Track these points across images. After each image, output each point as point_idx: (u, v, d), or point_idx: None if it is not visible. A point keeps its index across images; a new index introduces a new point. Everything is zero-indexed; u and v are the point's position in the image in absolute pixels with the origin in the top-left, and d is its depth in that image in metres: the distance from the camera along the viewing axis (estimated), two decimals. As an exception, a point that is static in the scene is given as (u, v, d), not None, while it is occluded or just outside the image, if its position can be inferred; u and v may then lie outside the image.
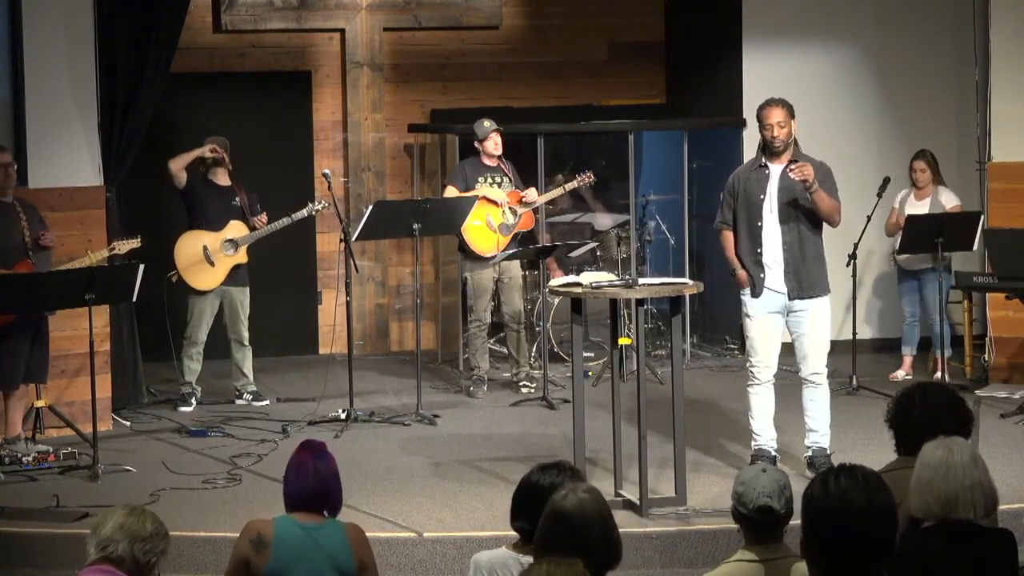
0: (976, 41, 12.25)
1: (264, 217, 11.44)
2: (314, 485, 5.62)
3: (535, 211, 12.04)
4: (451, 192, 11.57)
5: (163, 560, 5.05)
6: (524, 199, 11.72)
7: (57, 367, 10.29)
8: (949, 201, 11.74)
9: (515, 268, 11.76)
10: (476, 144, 11.69)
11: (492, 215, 11.64)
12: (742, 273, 9.01)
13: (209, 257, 11.33)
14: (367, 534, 7.99)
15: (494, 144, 11.61)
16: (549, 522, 4.74)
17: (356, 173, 13.54)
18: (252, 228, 11.42)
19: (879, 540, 4.21)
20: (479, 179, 11.66)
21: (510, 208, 11.68)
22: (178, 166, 11.31)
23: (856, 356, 11.50)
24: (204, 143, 11.45)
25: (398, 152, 13.75)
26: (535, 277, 12.15)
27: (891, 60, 13.12)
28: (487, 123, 11.66)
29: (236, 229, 11.41)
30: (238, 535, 5.68)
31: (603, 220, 13.36)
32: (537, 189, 12.05)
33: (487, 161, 11.69)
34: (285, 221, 11.43)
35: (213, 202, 11.40)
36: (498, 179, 11.73)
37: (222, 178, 11.47)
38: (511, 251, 11.49)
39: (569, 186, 12.10)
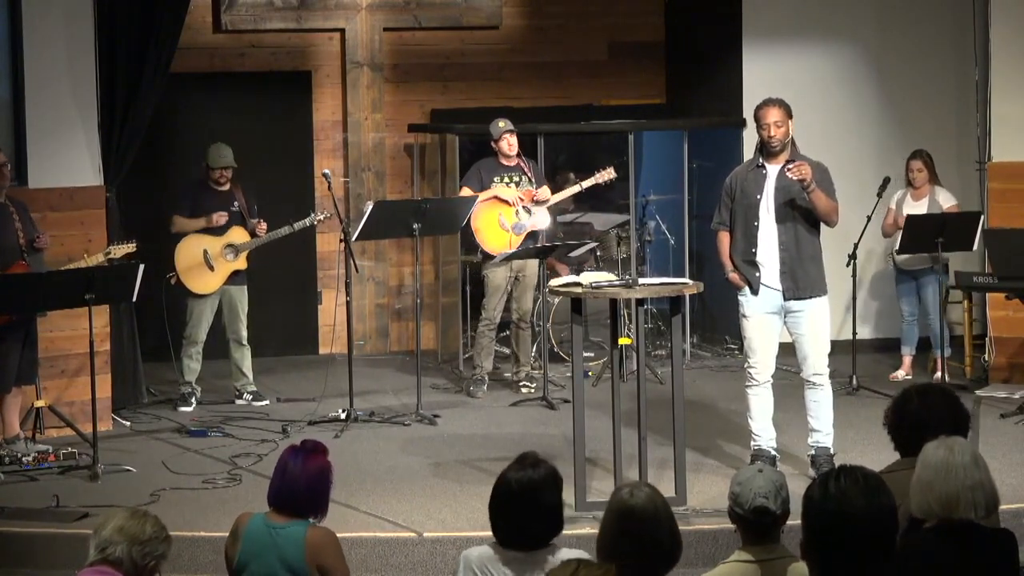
0: (976, 41, 12.25)
1: (264, 225, 11.43)
2: (279, 484, 5.67)
3: (550, 209, 11.99)
4: (465, 193, 11.57)
5: (164, 562, 5.05)
6: (536, 197, 11.70)
7: (57, 367, 10.29)
8: (947, 201, 11.75)
9: (532, 267, 11.72)
10: (492, 144, 11.70)
11: (504, 214, 11.64)
12: (734, 275, 9.01)
13: (209, 261, 11.33)
14: (367, 534, 8.07)
15: (508, 144, 11.60)
16: (618, 520, 4.69)
17: (356, 173, 13.54)
18: (252, 232, 11.42)
19: (879, 541, 4.22)
20: (495, 179, 11.65)
21: (524, 207, 11.67)
22: (177, 229, 11.37)
23: (856, 356, 11.50)
24: (210, 163, 11.36)
25: (398, 152, 13.75)
26: (535, 277, 12.14)
27: (891, 60, 13.12)
28: (502, 123, 11.64)
29: (237, 235, 11.41)
30: None
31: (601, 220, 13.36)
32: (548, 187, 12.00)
33: (504, 161, 11.68)
34: (286, 230, 11.43)
35: (212, 209, 11.38)
36: (516, 178, 11.71)
37: (222, 185, 11.45)
38: (512, 250, 11.49)
39: (587, 183, 12.00)
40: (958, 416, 5.67)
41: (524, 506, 5.11)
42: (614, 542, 4.67)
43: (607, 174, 11.93)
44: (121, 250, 10.32)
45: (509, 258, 11.51)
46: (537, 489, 5.13)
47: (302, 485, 5.63)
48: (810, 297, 8.90)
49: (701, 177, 13.23)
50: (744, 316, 9.02)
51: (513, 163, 11.70)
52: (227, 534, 5.79)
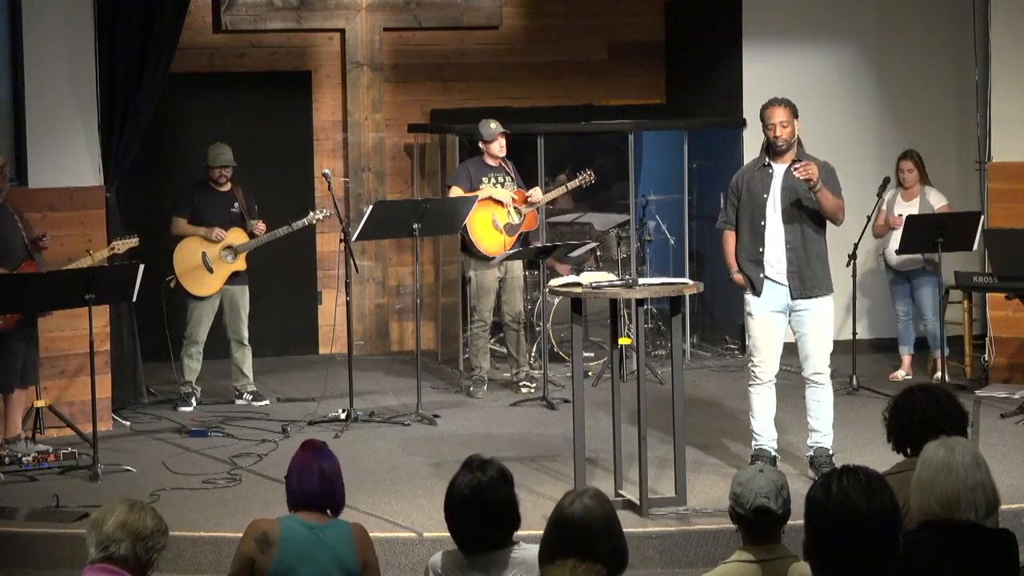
0: (976, 41, 12.25)
1: (262, 225, 11.43)
2: (319, 484, 5.63)
3: (537, 211, 12.03)
4: (455, 193, 11.57)
5: (162, 555, 5.03)
6: (529, 199, 11.71)
7: (57, 367, 10.29)
8: (937, 201, 11.74)
9: (518, 268, 11.76)
10: (480, 144, 11.69)
11: (498, 215, 11.64)
12: (738, 276, 9.03)
13: (208, 264, 11.33)
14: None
15: (499, 146, 11.61)
16: (555, 529, 4.73)
17: (356, 173, 13.54)
18: (251, 234, 11.42)
19: (881, 541, 4.22)
20: (483, 179, 11.66)
21: (515, 208, 11.67)
22: (176, 232, 11.38)
23: (856, 356, 11.50)
24: (209, 162, 11.36)
25: (398, 152, 13.75)
26: (535, 277, 12.14)
27: (891, 60, 13.12)
28: (493, 125, 11.64)
29: (236, 236, 11.40)
30: (241, 535, 5.67)
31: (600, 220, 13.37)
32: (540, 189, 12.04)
33: (490, 161, 11.68)
34: (284, 230, 11.42)
35: (213, 210, 11.39)
36: (501, 179, 11.72)
37: (222, 185, 11.45)
38: (511, 251, 11.50)
39: (571, 185, 12.07)
40: (962, 415, 5.70)
41: (479, 510, 5.11)
42: (549, 548, 4.69)
43: (587, 176, 11.98)
44: (124, 245, 10.34)
45: (510, 258, 11.51)
46: (488, 490, 5.12)
47: (336, 482, 5.66)
48: (816, 296, 8.90)
49: (701, 177, 13.23)
50: (750, 314, 9.02)
51: (497, 163, 11.71)
52: (227, 534, 5.76)
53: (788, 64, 12.88)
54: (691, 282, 9.06)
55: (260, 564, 5.50)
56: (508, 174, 11.75)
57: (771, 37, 13.00)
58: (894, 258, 11.65)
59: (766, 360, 8.96)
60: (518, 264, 11.72)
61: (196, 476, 9.35)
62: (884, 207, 11.80)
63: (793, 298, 8.91)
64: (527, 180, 12.06)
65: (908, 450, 5.74)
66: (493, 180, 11.69)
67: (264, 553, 5.50)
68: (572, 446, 8.55)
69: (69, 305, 9.54)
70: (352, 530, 5.65)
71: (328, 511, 5.67)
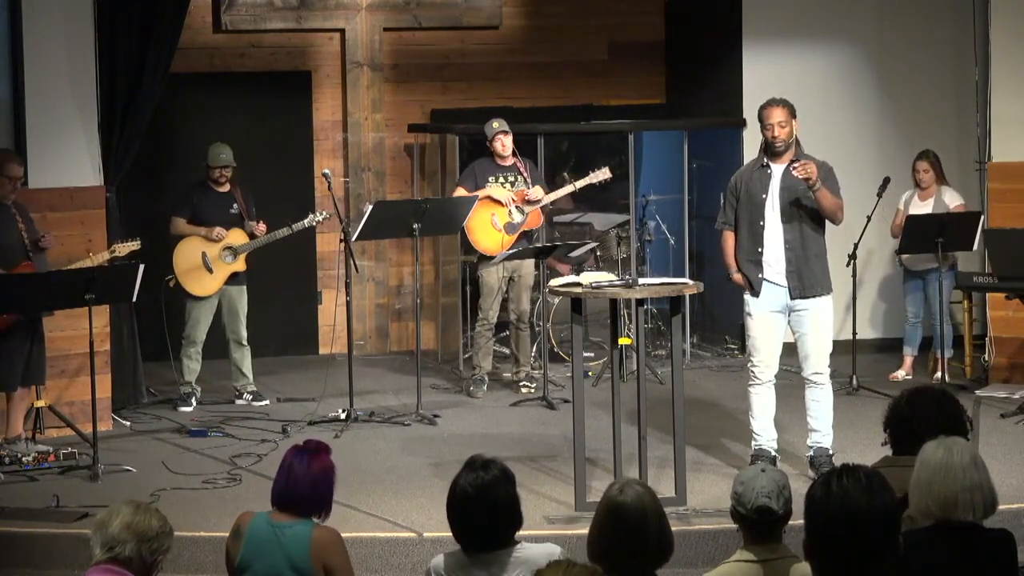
0: (976, 41, 12.25)
1: (263, 226, 11.42)
2: (284, 484, 5.68)
3: (544, 210, 12.00)
4: (459, 194, 11.57)
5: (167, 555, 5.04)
6: (528, 197, 11.70)
7: (57, 367, 10.29)
8: (953, 200, 11.74)
9: (528, 267, 11.72)
10: (487, 144, 11.71)
11: (497, 214, 11.64)
12: (737, 276, 9.03)
13: (208, 264, 11.33)
14: (367, 534, 8.07)
15: (501, 145, 11.60)
16: (607, 516, 4.73)
17: (356, 173, 13.54)
18: (251, 235, 11.42)
19: (881, 540, 4.22)
20: (489, 179, 11.65)
21: (516, 207, 11.66)
22: (176, 232, 11.38)
23: (856, 356, 11.50)
24: (209, 161, 11.36)
25: (398, 152, 13.75)
26: (535, 277, 12.13)
27: (891, 60, 13.12)
28: (495, 124, 11.64)
29: (236, 237, 11.40)
30: None
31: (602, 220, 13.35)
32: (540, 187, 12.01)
33: (500, 161, 11.68)
34: (285, 231, 11.42)
35: (212, 211, 11.39)
36: (511, 178, 11.71)
37: (222, 185, 11.46)
38: (511, 251, 11.49)
39: (580, 183, 11.97)
40: (950, 418, 5.56)
41: (482, 509, 5.11)
42: (601, 538, 4.70)
43: (602, 174, 11.87)
44: (126, 248, 10.33)
45: (509, 258, 11.51)
46: (491, 489, 5.13)
47: (306, 485, 5.64)
48: (816, 296, 8.90)
49: (701, 177, 13.23)
50: (749, 315, 9.02)
51: (509, 163, 11.70)
52: (227, 534, 5.79)
53: (788, 64, 12.88)
54: (691, 282, 9.05)
55: (231, 554, 5.70)
56: (521, 173, 11.72)
57: (771, 37, 13.00)
58: (908, 256, 11.66)
59: (765, 360, 8.96)
60: (529, 263, 11.69)
61: (196, 476, 9.35)
62: (902, 207, 11.82)
63: (792, 298, 8.92)
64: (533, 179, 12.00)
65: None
66: (501, 179, 11.68)
67: (234, 544, 5.68)
68: (572, 446, 8.55)
69: (69, 305, 9.54)
70: (312, 532, 5.63)
71: (307, 513, 5.65)
